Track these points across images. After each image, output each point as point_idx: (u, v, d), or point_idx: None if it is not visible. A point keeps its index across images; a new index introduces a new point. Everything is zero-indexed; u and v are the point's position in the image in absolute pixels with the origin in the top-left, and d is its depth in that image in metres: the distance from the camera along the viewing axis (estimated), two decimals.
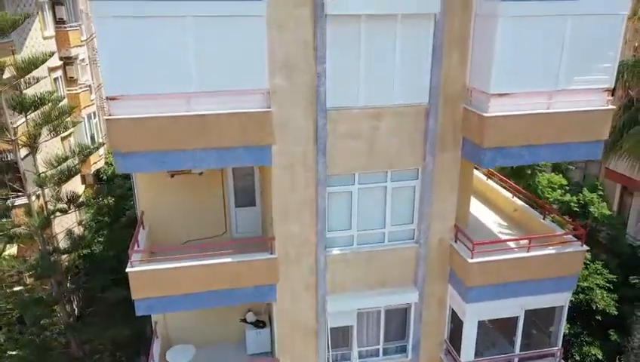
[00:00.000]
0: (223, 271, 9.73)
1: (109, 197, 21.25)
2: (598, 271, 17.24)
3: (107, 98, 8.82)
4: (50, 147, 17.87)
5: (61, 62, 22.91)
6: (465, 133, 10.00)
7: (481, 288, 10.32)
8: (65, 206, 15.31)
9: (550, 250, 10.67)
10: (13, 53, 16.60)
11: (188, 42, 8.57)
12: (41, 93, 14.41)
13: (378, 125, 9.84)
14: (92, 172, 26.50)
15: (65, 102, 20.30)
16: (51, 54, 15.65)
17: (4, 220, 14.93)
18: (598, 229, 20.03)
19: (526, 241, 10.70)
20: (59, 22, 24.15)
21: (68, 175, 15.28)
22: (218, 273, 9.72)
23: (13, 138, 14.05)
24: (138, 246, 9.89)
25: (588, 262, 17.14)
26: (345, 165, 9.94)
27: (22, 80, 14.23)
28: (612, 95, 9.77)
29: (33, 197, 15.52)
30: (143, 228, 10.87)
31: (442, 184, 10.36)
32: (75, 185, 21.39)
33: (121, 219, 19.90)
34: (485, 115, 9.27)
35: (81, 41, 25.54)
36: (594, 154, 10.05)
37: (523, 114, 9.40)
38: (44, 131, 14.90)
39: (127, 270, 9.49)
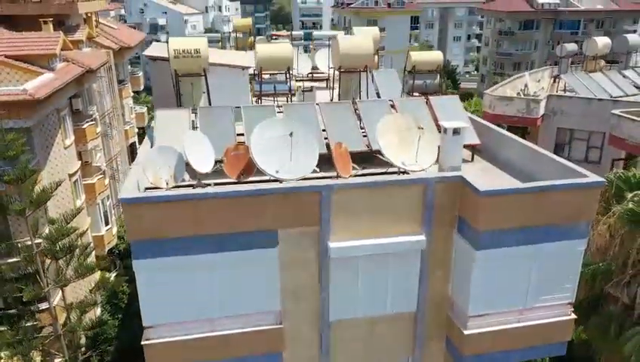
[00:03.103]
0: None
1: (124, 283, 22.94)
2: None
3: (145, 327, 10.46)
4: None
5: (79, 165, 24.42)
6: (449, 335, 11.66)
7: None
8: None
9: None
10: (35, 183, 17.91)
11: (214, 282, 10.24)
12: (69, 241, 16.00)
13: (373, 329, 11.50)
14: (106, 251, 28.10)
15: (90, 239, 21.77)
16: (79, 210, 17.19)
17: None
18: None
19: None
20: (75, 113, 25.71)
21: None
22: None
23: (46, 287, 15.71)
24: None
25: None
26: None
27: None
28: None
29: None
30: None
31: None
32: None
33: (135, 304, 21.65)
34: (465, 332, 10.93)
35: (96, 134, 27.09)
36: (559, 350, 11.73)
37: (498, 329, 11.05)
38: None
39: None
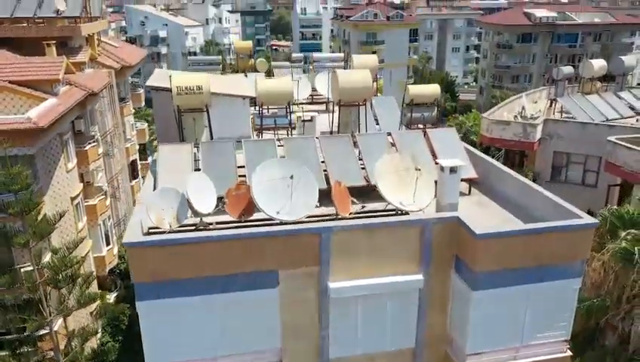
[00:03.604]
0: None
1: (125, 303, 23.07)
2: None
3: None
4: None
5: (81, 187, 24.64)
6: None
7: None
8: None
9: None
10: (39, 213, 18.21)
11: (216, 322, 10.45)
12: (72, 271, 16.20)
13: None
14: (107, 272, 28.24)
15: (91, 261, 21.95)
16: (81, 239, 17.41)
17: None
18: None
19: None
20: (77, 134, 25.95)
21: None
22: None
23: (49, 316, 15.90)
24: None
25: None
26: None
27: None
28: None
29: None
30: None
31: None
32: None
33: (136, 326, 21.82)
34: None
35: (98, 155, 27.33)
36: None
37: None
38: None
39: None
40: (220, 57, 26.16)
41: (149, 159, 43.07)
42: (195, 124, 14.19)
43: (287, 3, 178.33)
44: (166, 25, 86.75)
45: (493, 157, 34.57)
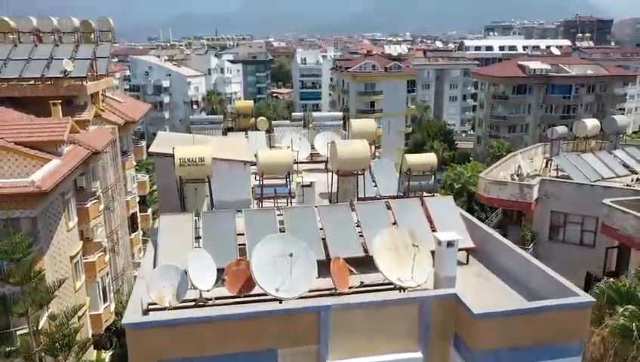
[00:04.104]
0: None
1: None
2: None
3: None
4: None
5: (81, 244, 24.72)
6: None
7: None
8: None
9: None
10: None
11: None
12: (69, 339, 16.10)
13: None
14: (103, 330, 27.92)
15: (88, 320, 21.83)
16: (80, 306, 17.42)
17: None
18: None
19: None
20: (79, 190, 26.20)
21: None
22: None
23: None
24: None
25: None
26: None
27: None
28: None
29: None
30: None
31: None
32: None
33: None
34: None
35: (99, 211, 27.54)
36: None
37: None
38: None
39: None
40: (222, 117, 26.71)
41: (149, 210, 43.45)
42: (197, 194, 14.45)
43: (288, 52, 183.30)
44: (169, 75, 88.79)
45: (492, 213, 34.88)
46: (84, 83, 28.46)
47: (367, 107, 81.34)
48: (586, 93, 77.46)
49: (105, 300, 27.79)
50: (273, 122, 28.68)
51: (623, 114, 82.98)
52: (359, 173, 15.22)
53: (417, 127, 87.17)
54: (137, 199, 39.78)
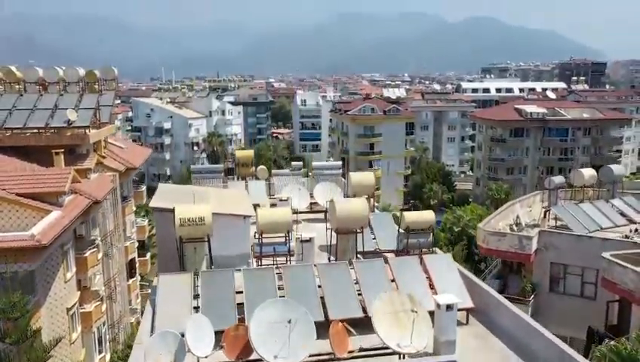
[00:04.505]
0: None
1: None
2: None
3: None
4: None
5: (78, 295, 24.54)
6: None
7: None
8: None
9: None
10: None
11: None
12: None
13: None
14: None
15: None
16: None
17: None
18: None
19: None
20: (78, 238, 26.17)
21: None
22: None
23: None
24: None
25: None
26: None
27: None
28: None
29: None
30: None
31: None
32: None
33: None
34: None
35: (98, 260, 27.46)
36: None
37: None
38: None
39: None
40: (222, 166, 27.07)
41: (147, 255, 43.24)
42: (196, 253, 14.50)
43: (288, 92, 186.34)
44: (171, 117, 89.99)
45: (492, 260, 34.72)
46: (87, 132, 28.87)
47: (366, 149, 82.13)
48: (583, 136, 78.35)
49: (100, 351, 27.37)
50: (273, 171, 29.02)
51: (620, 156, 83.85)
52: (358, 231, 15.31)
53: (416, 169, 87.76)
54: (136, 244, 39.67)
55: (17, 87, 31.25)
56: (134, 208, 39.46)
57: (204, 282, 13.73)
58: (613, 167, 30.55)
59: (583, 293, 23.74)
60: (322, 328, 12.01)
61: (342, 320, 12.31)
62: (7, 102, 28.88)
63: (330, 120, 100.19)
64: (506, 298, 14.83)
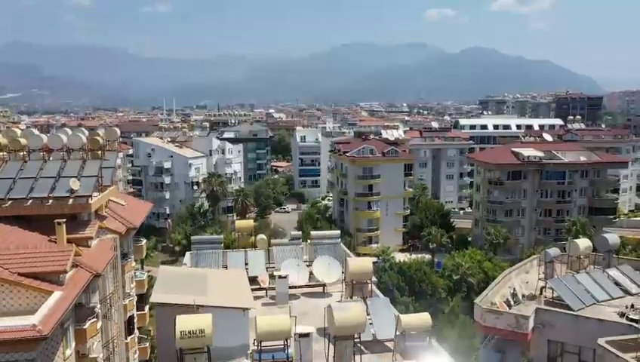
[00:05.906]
0: None
1: None
2: None
3: None
4: None
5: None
6: None
7: None
8: None
9: None
10: None
11: None
12: None
13: None
14: None
15: None
16: None
17: None
18: None
19: None
20: (77, 306, 26.16)
21: None
22: None
23: None
24: None
25: None
26: None
27: None
28: None
29: None
30: None
31: None
32: None
33: None
34: None
35: (97, 330, 27.43)
36: None
37: None
38: None
39: None
40: (222, 236, 27.46)
41: (146, 308, 43.03)
42: None
43: (288, 125, 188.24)
44: (171, 156, 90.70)
45: None
46: (90, 201, 29.19)
47: (365, 190, 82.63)
48: (580, 178, 79.00)
49: None
50: (272, 241, 29.39)
51: (617, 199, 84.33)
52: (355, 337, 15.55)
53: (415, 208, 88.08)
54: (135, 299, 39.58)
55: (21, 153, 31.74)
56: (134, 264, 39.50)
57: None
58: (609, 236, 30.89)
59: None
60: None
61: None
62: (10, 171, 29.31)
63: (330, 156, 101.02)
64: None
